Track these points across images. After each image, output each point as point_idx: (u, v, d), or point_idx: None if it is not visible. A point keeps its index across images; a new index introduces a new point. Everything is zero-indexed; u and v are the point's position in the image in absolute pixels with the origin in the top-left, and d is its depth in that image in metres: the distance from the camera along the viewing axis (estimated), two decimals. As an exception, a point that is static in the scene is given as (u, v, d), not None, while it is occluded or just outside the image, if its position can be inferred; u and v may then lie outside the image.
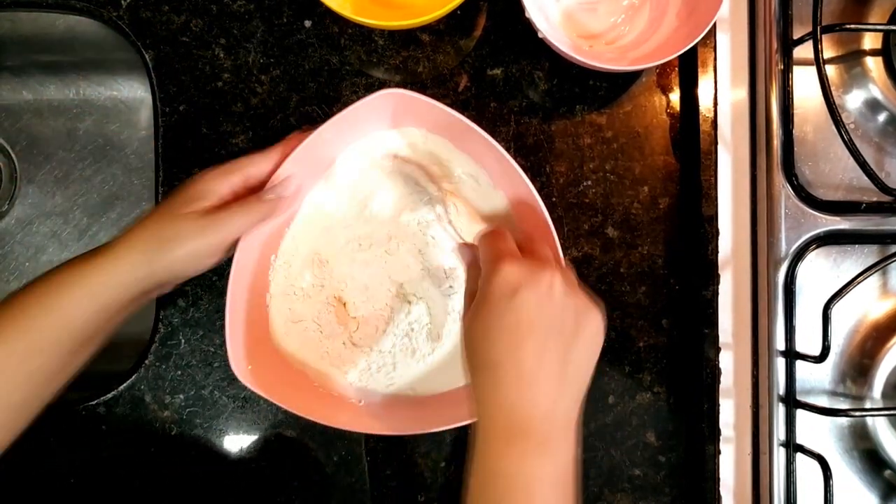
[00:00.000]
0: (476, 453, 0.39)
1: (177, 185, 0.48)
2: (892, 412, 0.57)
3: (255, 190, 0.48)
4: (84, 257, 0.45)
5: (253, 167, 0.48)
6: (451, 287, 0.53)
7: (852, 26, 0.58)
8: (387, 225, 0.53)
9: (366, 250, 0.53)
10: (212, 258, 0.46)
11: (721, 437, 0.57)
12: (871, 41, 0.60)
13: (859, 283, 0.56)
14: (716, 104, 0.57)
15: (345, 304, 0.53)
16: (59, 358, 0.44)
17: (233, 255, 0.47)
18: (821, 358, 0.55)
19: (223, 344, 0.47)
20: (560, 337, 0.40)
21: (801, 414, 0.57)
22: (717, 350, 0.57)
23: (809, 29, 0.55)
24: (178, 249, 0.44)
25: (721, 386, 0.57)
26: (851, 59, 0.60)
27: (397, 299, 0.53)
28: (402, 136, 0.53)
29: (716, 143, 0.57)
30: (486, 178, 0.53)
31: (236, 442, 0.56)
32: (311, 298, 0.53)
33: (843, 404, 0.59)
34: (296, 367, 0.53)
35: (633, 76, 0.59)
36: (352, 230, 0.53)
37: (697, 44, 0.53)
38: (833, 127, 0.55)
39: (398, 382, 0.53)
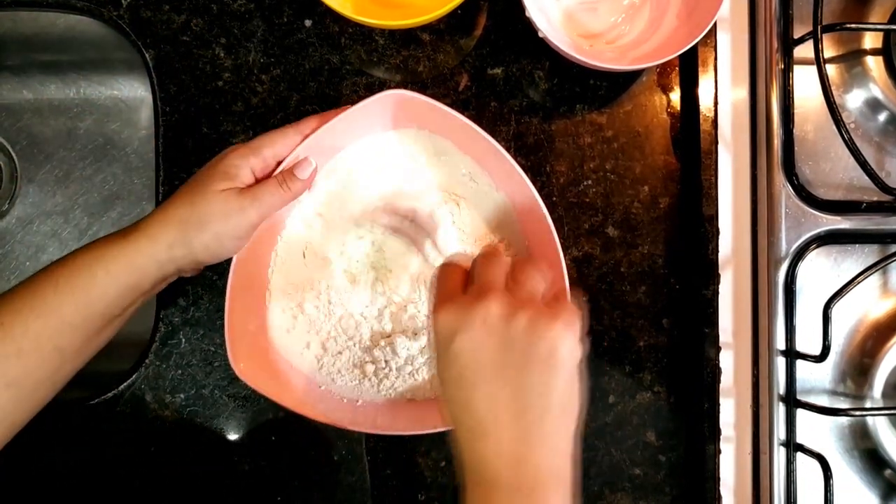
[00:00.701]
0: None
1: (177, 184, 0.47)
2: (892, 412, 0.57)
3: (272, 171, 0.48)
4: (117, 236, 0.44)
5: (272, 149, 0.47)
6: None
7: (853, 26, 0.58)
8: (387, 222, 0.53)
9: (366, 249, 0.53)
10: (245, 239, 0.46)
11: (721, 437, 0.57)
12: (871, 40, 0.60)
13: (860, 282, 0.56)
14: (716, 104, 0.57)
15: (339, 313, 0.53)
16: (86, 334, 0.43)
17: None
18: (821, 357, 0.55)
19: (224, 343, 0.47)
20: (507, 371, 0.37)
21: (801, 413, 0.57)
22: (718, 349, 0.57)
23: (810, 28, 0.55)
24: (219, 227, 0.44)
25: (721, 385, 0.57)
26: (852, 58, 0.60)
27: (397, 301, 0.53)
28: (402, 137, 0.53)
29: (716, 143, 0.57)
30: (486, 178, 0.53)
31: (236, 441, 0.56)
32: (310, 296, 0.53)
33: (843, 404, 0.59)
34: (296, 366, 0.53)
35: (634, 75, 0.59)
36: (352, 229, 0.53)
37: (698, 43, 0.53)
38: (833, 126, 0.55)
39: (399, 389, 0.53)
